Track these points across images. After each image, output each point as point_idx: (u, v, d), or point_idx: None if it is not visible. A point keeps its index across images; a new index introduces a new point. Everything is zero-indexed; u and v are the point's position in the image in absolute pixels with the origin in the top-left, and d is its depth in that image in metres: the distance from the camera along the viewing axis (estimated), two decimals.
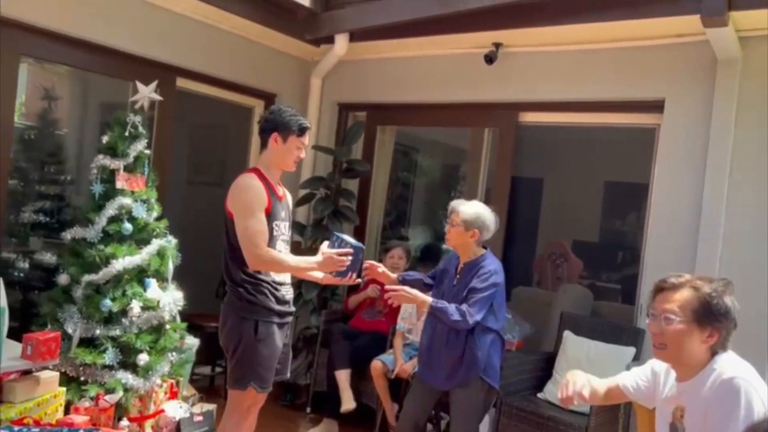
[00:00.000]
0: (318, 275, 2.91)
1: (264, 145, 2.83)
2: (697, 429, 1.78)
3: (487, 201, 4.70)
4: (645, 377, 2.04)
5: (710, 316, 1.77)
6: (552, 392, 3.76)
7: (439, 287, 3.24)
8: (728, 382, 1.72)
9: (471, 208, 3.10)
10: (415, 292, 3.03)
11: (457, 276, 3.17)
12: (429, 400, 3.28)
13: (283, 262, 2.74)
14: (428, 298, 3.03)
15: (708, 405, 1.75)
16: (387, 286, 3.08)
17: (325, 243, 2.87)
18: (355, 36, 4.62)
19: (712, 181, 3.55)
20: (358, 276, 2.90)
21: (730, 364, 1.77)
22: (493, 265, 3.12)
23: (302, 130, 2.80)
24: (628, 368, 3.39)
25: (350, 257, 2.77)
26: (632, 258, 5.80)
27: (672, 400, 1.89)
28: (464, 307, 2.99)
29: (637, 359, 3.64)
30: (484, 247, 3.22)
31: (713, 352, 1.80)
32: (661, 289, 1.84)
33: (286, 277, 2.86)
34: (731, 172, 3.50)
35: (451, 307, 2.99)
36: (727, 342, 1.81)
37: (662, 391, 1.95)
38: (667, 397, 1.91)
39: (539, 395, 3.80)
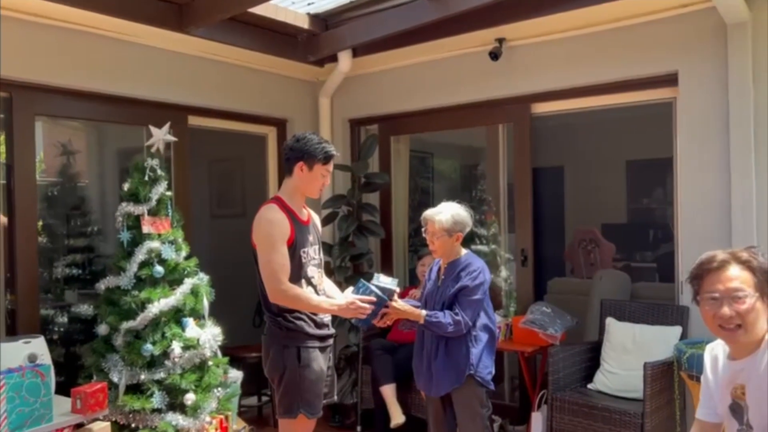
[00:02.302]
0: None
1: (289, 172, 2.82)
2: (762, 404, 1.72)
3: (510, 196, 4.68)
4: (702, 391, 1.95)
5: None
6: (602, 381, 3.70)
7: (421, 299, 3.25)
8: None
9: (446, 214, 3.06)
10: (408, 307, 3.00)
11: (441, 277, 3.15)
12: (444, 413, 3.24)
13: (303, 299, 2.71)
14: (422, 312, 3.01)
15: None
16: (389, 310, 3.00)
17: (350, 288, 2.87)
18: (357, 51, 4.63)
19: (737, 148, 3.47)
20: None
21: None
22: (479, 262, 3.11)
23: (328, 159, 2.80)
24: (676, 348, 3.35)
25: (374, 305, 2.77)
26: (664, 235, 5.71)
27: (728, 381, 1.82)
28: (457, 310, 2.98)
29: (684, 337, 3.57)
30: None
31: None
32: (708, 270, 1.74)
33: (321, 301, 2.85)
34: (756, 136, 3.43)
35: (445, 318, 2.97)
36: None
37: (719, 381, 1.87)
38: (721, 381, 1.85)
39: (590, 386, 3.75)
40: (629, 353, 3.65)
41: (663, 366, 3.37)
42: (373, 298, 2.78)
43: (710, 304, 1.73)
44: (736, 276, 1.71)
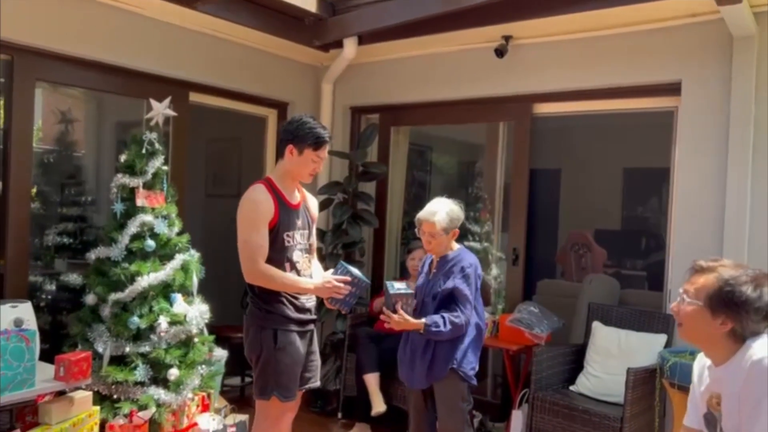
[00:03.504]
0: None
1: (281, 154, 2.82)
2: (734, 415, 1.73)
3: (506, 195, 4.69)
4: (690, 399, 1.97)
5: (722, 303, 1.71)
6: (584, 384, 3.72)
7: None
8: (758, 363, 1.66)
9: (442, 213, 3.06)
10: (408, 318, 2.99)
11: (433, 270, 3.15)
12: (425, 405, 3.25)
13: (277, 279, 2.70)
14: (420, 322, 2.99)
15: (741, 389, 1.70)
16: (382, 317, 3.05)
17: (330, 270, 2.87)
18: (363, 39, 4.62)
19: (734, 161, 3.49)
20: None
21: (761, 346, 1.70)
22: (471, 258, 3.11)
23: (318, 144, 2.76)
24: (660, 355, 3.37)
25: (351, 287, 2.76)
26: (657, 244, 5.72)
27: (706, 389, 1.84)
28: (457, 312, 2.98)
29: (669, 346, 3.59)
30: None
31: (742, 338, 1.73)
32: (695, 270, 1.82)
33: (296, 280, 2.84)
34: (754, 150, 3.44)
35: (445, 326, 2.95)
36: (759, 329, 1.73)
37: (700, 386, 1.91)
38: (702, 390, 1.87)
39: (571, 388, 3.77)
40: (613, 358, 3.67)
41: (646, 372, 3.39)
42: (348, 278, 2.77)
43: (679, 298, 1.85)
44: (700, 282, 1.78)
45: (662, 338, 3.61)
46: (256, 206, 2.69)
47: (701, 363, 1.92)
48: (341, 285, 2.75)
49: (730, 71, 3.50)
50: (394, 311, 2.97)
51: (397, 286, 3.04)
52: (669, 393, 3.37)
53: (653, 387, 3.43)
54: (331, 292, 2.76)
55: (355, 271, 2.83)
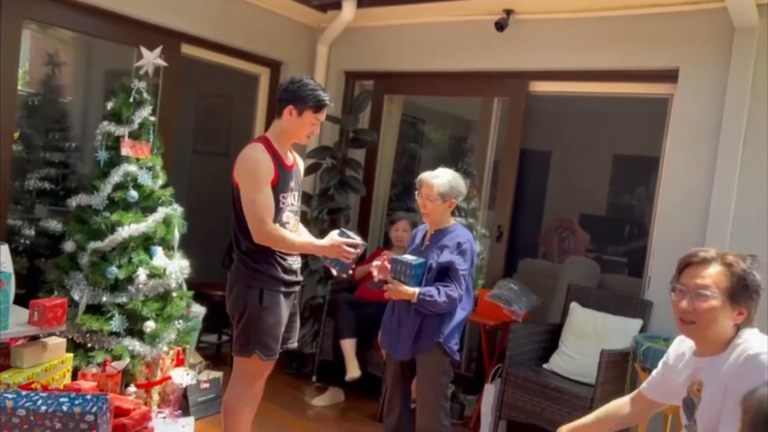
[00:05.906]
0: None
1: (279, 113, 2.77)
2: (715, 404, 1.73)
3: (494, 173, 4.67)
4: (658, 372, 1.97)
5: (744, 293, 1.70)
6: (558, 363, 3.76)
7: None
8: (754, 358, 1.65)
9: (443, 179, 3.02)
10: (403, 287, 2.94)
11: (426, 243, 3.11)
12: (402, 375, 3.24)
13: (287, 240, 2.69)
14: (414, 290, 2.93)
15: (729, 380, 1.69)
16: (386, 287, 3.02)
17: (335, 231, 2.84)
18: (362, 1, 4.54)
19: (725, 154, 3.48)
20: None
21: (756, 340, 1.71)
22: (467, 234, 3.08)
23: (319, 107, 2.74)
24: (635, 339, 3.41)
25: (356, 249, 2.75)
26: (639, 231, 5.76)
27: (688, 376, 1.84)
28: (452, 287, 2.94)
29: (644, 331, 3.63)
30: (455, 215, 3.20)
31: (737, 328, 1.74)
32: (689, 263, 1.76)
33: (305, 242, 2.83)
34: (745, 144, 3.44)
35: (440, 296, 2.91)
36: (753, 318, 1.75)
37: (679, 374, 1.89)
38: (683, 374, 1.86)
39: (545, 366, 3.81)
40: (588, 339, 3.71)
41: (619, 355, 3.43)
42: (359, 242, 2.77)
43: (678, 294, 1.77)
44: (710, 275, 1.72)
45: (638, 323, 3.65)
46: (259, 165, 2.64)
47: (682, 346, 1.91)
48: (350, 250, 2.74)
49: (729, 61, 3.48)
50: (398, 279, 2.95)
51: (403, 256, 3.01)
52: (640, 377, 3.42)
53: (625, 370, 3.47)
54: (339, 255, 2.75)
55: (353, 234, 2.82)
